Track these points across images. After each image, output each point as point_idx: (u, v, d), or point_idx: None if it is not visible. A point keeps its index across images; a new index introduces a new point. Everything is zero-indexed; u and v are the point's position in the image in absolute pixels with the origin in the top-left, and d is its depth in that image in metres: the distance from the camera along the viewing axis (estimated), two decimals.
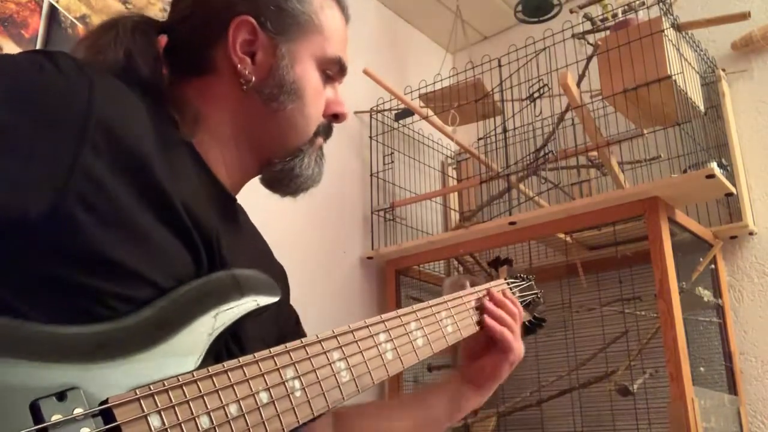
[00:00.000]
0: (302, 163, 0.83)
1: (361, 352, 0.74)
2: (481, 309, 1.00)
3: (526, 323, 1.13)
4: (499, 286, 1.07)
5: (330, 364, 0.70)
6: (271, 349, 0.65)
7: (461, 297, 0.97)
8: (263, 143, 0.82)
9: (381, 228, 2.54)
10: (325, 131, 0.87)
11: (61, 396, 0.51)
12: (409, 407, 1.03)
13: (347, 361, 0.72)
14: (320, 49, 0.83)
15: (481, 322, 0.98)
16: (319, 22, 0.83)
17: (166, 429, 0.54)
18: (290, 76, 0.80)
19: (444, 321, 0.92)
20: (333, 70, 0.85)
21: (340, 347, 0.72)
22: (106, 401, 0.53)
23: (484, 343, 1.01)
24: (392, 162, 2.60)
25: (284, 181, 0.84)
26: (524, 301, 1.12)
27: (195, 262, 0.69)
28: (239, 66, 0.79)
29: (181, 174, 0.71)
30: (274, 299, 0.71)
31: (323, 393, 0.68)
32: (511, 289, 1.10)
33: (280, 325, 0.89)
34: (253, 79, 0.79)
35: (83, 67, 0.65)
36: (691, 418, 1.70)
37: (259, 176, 0.87)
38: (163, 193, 0.66)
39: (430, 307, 0.91)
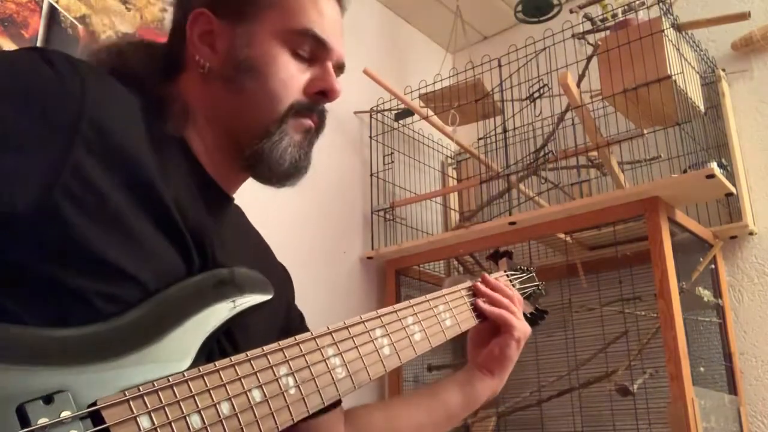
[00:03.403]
0: (271, 144, 0.78)
1: (356, 347, 0.74)
2: (476, 297, 1.00)
3: (528, 315, 1.12)
4: (498, 277, 1.07)
5: (325, 360, 0.69)
6: (264, 347, 0.64)
7: (459, 291, 0.97)
8: (233, 128, 0.79)
9: (381, 228, 2.53)
10: (308, 110, 0.81)
11: (48, 399, 0.51)
12: (423, 400, 1.02)
13: (342, 357, 0.71)
14: (279, 24, 0.79)
15: (478, 312, 0.99)
16: None
17: (156, 429, 0.53)
18: (244, 54, 0.78)
19: (442, 315, 0.91)
20: (305, 45, 0.80)
21: (335, 343, 0.71)
22: (94, 403, 0.53)
23: (489, 329, 1.01)
24: (392, 162, 2.59)
25: (258, 166, 0.79)
26: (525, 293, 1.11)
27: (185, 262, 0.69)
28: (196, 56, 0.80)
29: (172, 172, 0.71)
30: (267, 297, 0.71)
31: (318, 390, 0.67)
32: (511, 281, 1.09)
33: (286, 325, 0.89)
34: (208, 65, 0.79)
35: (77, 65, 0.66)
36: (691, 418, 1.69)
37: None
38: (155, 192, 0.66)
39: (428, 301, 0.90)
